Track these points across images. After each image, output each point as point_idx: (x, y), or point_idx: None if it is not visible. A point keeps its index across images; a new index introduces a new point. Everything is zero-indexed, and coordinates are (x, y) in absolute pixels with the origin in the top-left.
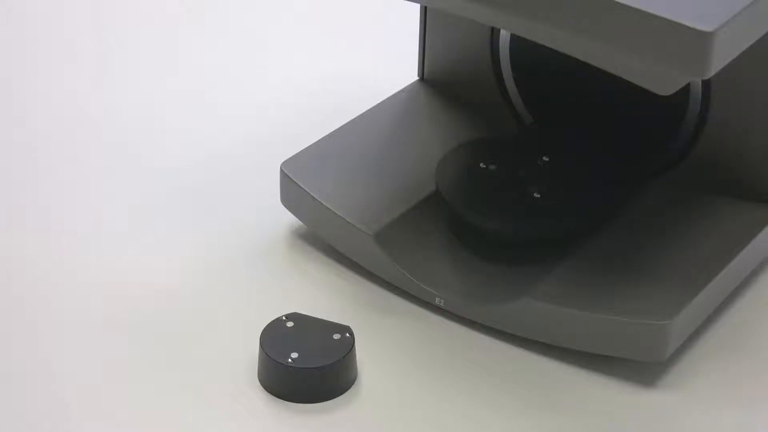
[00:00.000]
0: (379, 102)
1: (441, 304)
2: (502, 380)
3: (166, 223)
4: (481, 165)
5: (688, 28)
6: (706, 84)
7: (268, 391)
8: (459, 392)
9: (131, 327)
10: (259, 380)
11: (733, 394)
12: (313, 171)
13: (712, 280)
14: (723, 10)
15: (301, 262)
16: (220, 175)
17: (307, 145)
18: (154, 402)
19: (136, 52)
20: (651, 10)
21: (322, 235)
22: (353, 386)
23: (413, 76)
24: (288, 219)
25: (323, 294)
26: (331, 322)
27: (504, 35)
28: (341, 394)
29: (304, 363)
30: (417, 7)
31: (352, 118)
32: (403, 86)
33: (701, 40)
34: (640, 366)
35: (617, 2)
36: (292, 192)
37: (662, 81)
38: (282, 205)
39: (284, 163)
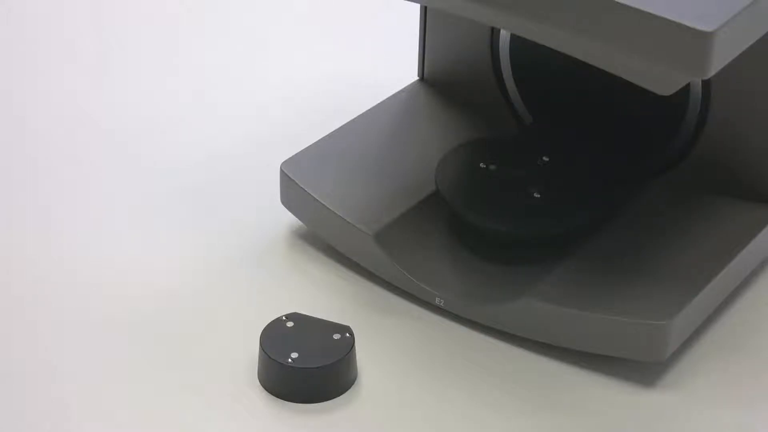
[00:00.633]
0: (379, 102)
1: (441, 304)
2: (502, 380)
3: (166, 223)
4: (481, 165)
5: (688, 28)
6: (706, 84)
7: (268, 391)
8: (459, 392)
9: (131, 327)
10: (259, 380)
11: (733, 394)
12: (313, 171)
13: (712, 280)
14: (723, 10)
15: (301, 262)
16: (220, 175)
17: (307, 145)
18: (154, 402)
19: (136, 52)
20: (651, 10)
21: (322, 235)
22: (353, 386)
23: (413, 76)
24: (288, 219)
25: (323, 294)
26: (331, 322)
27: (504, 35)
28: (341, 394)
29: (304, 363)
30: (417, 7)
31: (352, 118)
32: (403, 86)
33: (701, 40)
34: (640, 366)
35: (617, 2)
36: (292, 192)
37: (662, 81)
38: (282, 205)
39: (284, 163)
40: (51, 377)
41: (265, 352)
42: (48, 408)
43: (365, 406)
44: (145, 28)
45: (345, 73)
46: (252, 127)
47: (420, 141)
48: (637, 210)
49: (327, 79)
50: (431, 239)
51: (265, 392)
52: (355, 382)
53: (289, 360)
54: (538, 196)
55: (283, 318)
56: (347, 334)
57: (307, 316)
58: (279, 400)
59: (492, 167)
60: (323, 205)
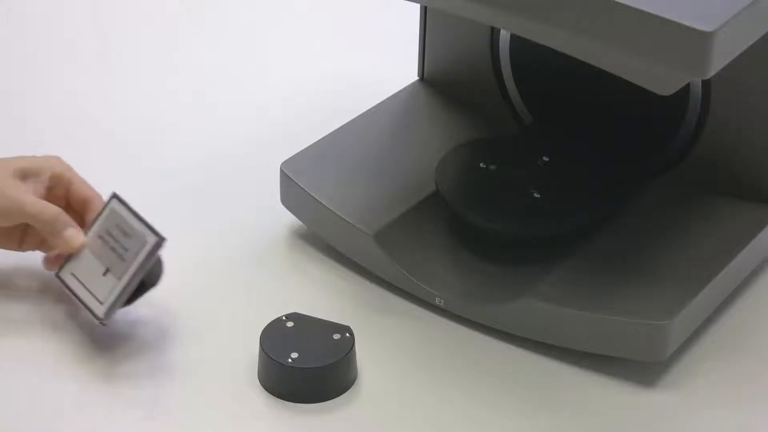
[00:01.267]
0: (379, 102)
1: (441, 304)
2: (502, 380)
3: (166, 223)
4: (481, 165)
5: (688, 28)
6: (706, 84)
7: (268, 391)
8: (459, 392)
9: (131, 327)
10: (259, 380)
11: (733, 394)
12: (313, 171)
13: (712, 280)
14: (723, 10)
15: (301, 262)
16: (220, 175)
17: (307, 145)
18: (155, 402)
19: (136, 52)
20: (651, 10)
21: (322, 235)
22: (353, 386)
23: (413, 76)
24: (288, 219)
25: (323, 294)
26: (331, 322)
27: (504, 35)
28: (341, 394)
29: (304, 363)
30: (417, 7)
31: (352, 118)
32: (403, 86)
33: (701, 40)
34: (640, 366)
35: (617, 2)
36: (292, 192)
37: (662, 81)
38: (282, 205)
39: (284, 163)
40: (51, 377)
41: (265, 352)
42: (48, 408)
43: (365, 406)
44: (145, 28)
45: (345, 73)
46: (252, 127)
47: (420, 141)
48: (637, 210)
49: (327, 79)
50: (431, 239)
51: (265, 392)
52: (355, 382)
53: (289, 360)
54: (538, 196)
55: (283, 318)
56: (347, 334)
57: (307, 316)
58: (279, 400)
59: (492, 167)
60: (323, 205)
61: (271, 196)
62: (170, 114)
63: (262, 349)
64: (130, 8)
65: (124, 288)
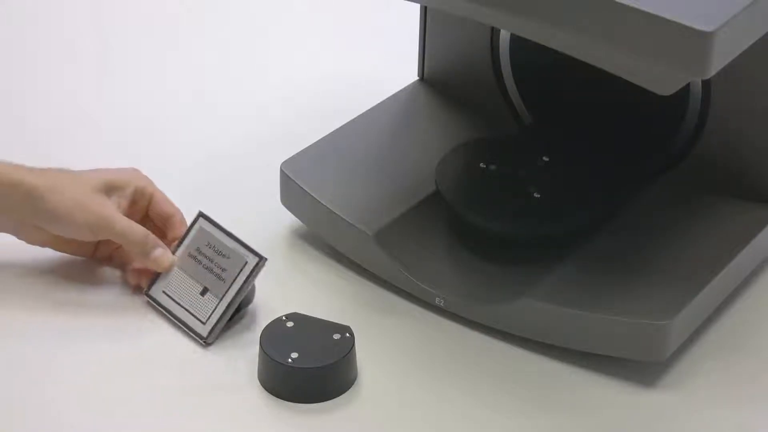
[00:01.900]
0: (379, 102)
1: (441, 304)
2: (502, 380)
3: None
4: (481, 165)
5: (688, 28)
6: (706, 84)
7: (268, 391)
8: (459, 392)
9: (131, 326)
10: (259, 380)
11: (733, 394)
12: (313, 171)
13: (712, 280)
14: (723, 10)
15: (301, 262)
16: (220, 175)
17: (307, 145)
18: (155, 402)
19: (136, 52)
20: (651, 10)
21: (322, 235)
22: (353, 386)
23: (413, 76)
24: (288, 219)
25: (323, 294)
26: (331, 322)
27: (504, 35)
28: (341, 394)
29: (304, 363)
30: (417, 7)
31: (352, 118)
32: (403, 86)
33: (701, 40)
34: (640, 366)
35: (617, 2)
36: (292, 192)
37: (662, 81)
38: (282, 205)
39: (284, 163)
40: (52, 377)
41: (265, 352)
42: (49, 408)
43: (365, 406)
44: (145, 28)
45: (345, 73)
46: (252, 127)
47: (420, 141)
48: (637, 210)
49: (327, 79)
50: (431, 239)
51: (265, 392)
52: (355, 382)
53: (289, 360)
54: (538, 196)
55: (283, 318)
56: (347, 334)
57: (307, 316)
58: (279, 400)
59: (492, 167)
60: (323, 205)
61: (271, 196)
62: (170, 114)
63: (262, 349)
64: (130, 8)
65: (227, 308)
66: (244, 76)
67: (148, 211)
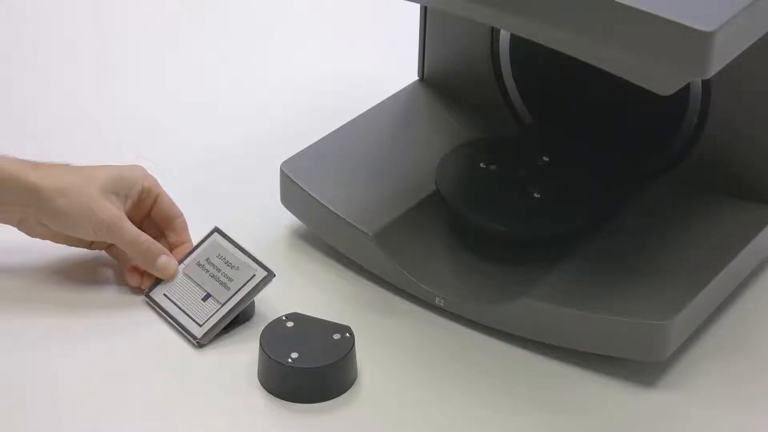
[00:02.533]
0: (379, 102)
1: (441, 304)
2: (502, 380)
3: None
4: (481, 165)
5: (688, 28)
6: (706, 84)
7: (268, 391)
8: (459, 392)
9: (131, 326)
10: (259, 380)
11: (733, 394)
12: (313, 171)
13: (712, 280)
14: (723, 10)
15: (301, 262)
16: (220, 175)
17: (307, 145)
18: (155, 402)
19: (136, 52)
20: (651, 10)
21: (322, 235)
22: (353, 386)
23: (413, 76)
24: (288, 219)
25: (323, 294)
26: (331, 322)
27: (504, 35)
28: (341, 394)
29: (304, 363)
30: (417, 7)
31: (352, 118)
32: (403, 86)
33: (701, 40)
34: (640, 366)
35: (617, 2)
36: (292, 192)
37: (662, 81)
38: (282, 205)
39: (284, 163)
40: (52, 378)
41: (265, 352)
42: (49, 409)
43: (365, 406)
44: (145, 28)
45: (345, 73)
46: (252, 127)
47: (420, 141)
48: (637, 210)
49: (327, 79)
50: (431, 239)
51: (265, 392)
52: (355, 382)
53: (289, 360)
54: (538, 196)
55: (283, 318)
56: (347, 334)
57: (307, 316)
58: (279, 400)
59: (492, 167)
60: (323, 205)
61: (271, 196)
62: (170, 114)
63: (262, 349)
64: (130, 8)
65: (227, 314)
66: (244, 76)
67: (151, 211)
